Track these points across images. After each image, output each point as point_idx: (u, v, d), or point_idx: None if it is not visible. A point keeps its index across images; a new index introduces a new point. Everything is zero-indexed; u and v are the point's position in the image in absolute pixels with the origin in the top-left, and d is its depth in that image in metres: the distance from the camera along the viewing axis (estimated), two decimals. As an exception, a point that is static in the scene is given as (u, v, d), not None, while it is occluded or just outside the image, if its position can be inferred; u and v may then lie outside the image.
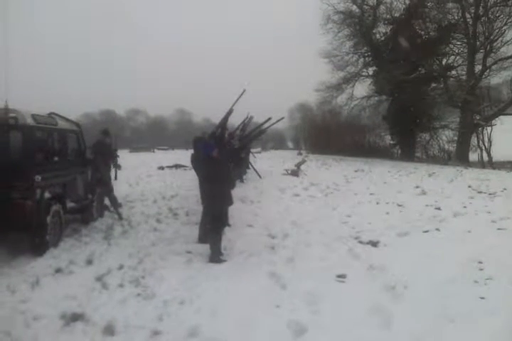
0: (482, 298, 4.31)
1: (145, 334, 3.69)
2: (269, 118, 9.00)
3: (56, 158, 6.95)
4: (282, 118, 8.87)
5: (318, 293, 4.53)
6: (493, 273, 4.96)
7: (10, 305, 4.19)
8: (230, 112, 7.76)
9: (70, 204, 7.05)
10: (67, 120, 7.76)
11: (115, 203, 9.02)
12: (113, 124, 75.14)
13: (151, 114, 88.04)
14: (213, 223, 6.06)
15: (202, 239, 6.65)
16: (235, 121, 14.26)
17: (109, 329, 3.74)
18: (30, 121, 6.05)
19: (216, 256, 5.84)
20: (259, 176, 15.84)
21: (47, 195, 6.12)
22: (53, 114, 7.34)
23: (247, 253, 6.16)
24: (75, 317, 3.93)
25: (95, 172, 8.38)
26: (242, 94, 7.72)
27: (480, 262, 5.42)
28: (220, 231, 6.11)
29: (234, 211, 8.19)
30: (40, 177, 5.92)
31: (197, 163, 6.41)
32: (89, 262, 5.67)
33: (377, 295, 4.49)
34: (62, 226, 6.74)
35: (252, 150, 20.87)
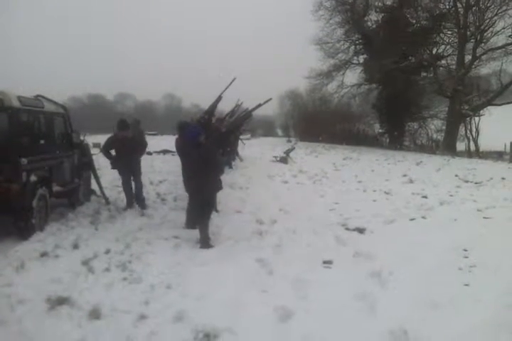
0: (466, 284, 4.37)
1: (131, 318, 3.68)
2: (259, 105, 8.94)
3: (42, 141, 6.85)
4: (270, 99, 8.79)
5: (305, 278, 4.55)
6: (477, 261, 5.02)
7: (-6, 289, 4.16)
8: (218, 99, 7.71)
9: (56, 188, 6.97)
10: (53, 103, 7.63)
11: (102, 187, 8.94)
12: (101, 108, 74.47)
13: (139, 98, 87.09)
14: (203, 208, 6.04)
15: (189, 225, 6.64)
16: (225, 107, 14.20)
17: (95, 313, 3.72)
18: (16, 103, 5.94)
19: (206, 242, 5.84)
20: (241, 159, 16.00)
21: (33, 178, 6.04)
22: (40, 96, 7.21)
23: (234, 239, 6.17)
24: (61, 301, 3.90)
25: (82, 157, 8.31)
26: (232, 82, 7.65)
27: (465, 250, 5.48)
28: (209, 216, 6.10)
29: (222, 197, 8.18)
30: (26, 161, 5.84)
31: (182, 148, 6.33)
32: (76, 246, 5.62)
33: (363, 281, 4.53)
34: (49, 210, 6.67)
35: (242, 136, 20.82)
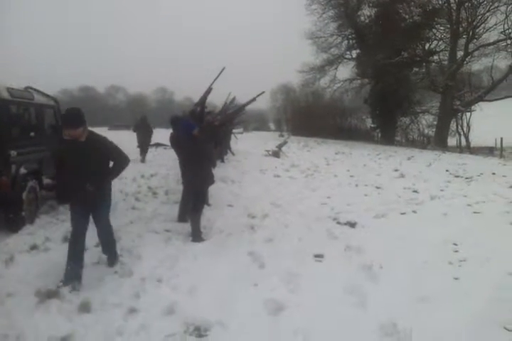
0: (456, 278, 4.40)
1: (121, 311, 3.67)
2: (253, 99, 8.89)
3: (32, 134, 6.78)
4: (263, 92, 8.73)
5: (296, 272, 4.56)
6: (467, 255, 5.06)
7: (-17, 282, 4.12)
8: (209, 90, 7.64)
9: (46, 181, 6.92)
10: (44, 95, 7.55)
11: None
12: (92, 101, 73.94)
13: (131, 91, 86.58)
14: (195, 202, 6.03)
15: (181, 218, 6.63)
16: (217, 101, 14.13)
17: (85, 307, 3.71)
18: (5, 94, 5.87)
19: (197, 235, 5.83)
20: (233, 154, 16.02)
21: (22, 170, 6.00)
22: (30, 88, 7.13)
23: (226, 233, 6.17)
24: (50, 295, 3.87)
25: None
26: (221, 72, 7.58)
27: (455, 244, 5.52)
28: (201, 210, 6.08)
29: (214, 191, 8.17)
30: (15, 153, 5.79)
31: (177, 142, 6.32)
32: (66, 239, 5.53)
33: (354, 275, 4.54)
34: (39, 202, 6.63)
35: (234, 130, 20.76)
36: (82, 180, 4.19)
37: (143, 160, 14.91)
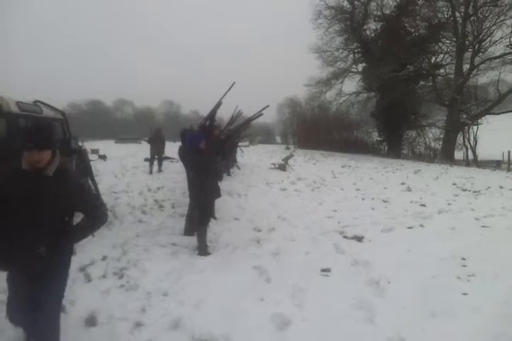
0: (465, 294, 4.36)
1: (128, 325, 3.66)
2: (259, 114, 8.94)
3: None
4: (267, 106, 8.77)
5: (303, 286, 4.53)
6: (475, 270, 5.01)
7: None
8: (218, 105, 7.70)
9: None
10: (52, 108, 7.63)
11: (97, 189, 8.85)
12: (100, 114, 74.56)
13: (138, 104, 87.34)
14: (201, 215, 6.03)
15: (188, 232, 6.62)
16: (224, 114, 14.22)
17: (91, 321, 3.71)
18: (14, 108, 5.93)
19: (203, 249, 5.82)
20: (238, 168, 16.02)
21: (31, 183, 6.00)
22: (38, 102, 7.21)
23: (232, 246, 6.15)
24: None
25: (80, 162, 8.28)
26: (231, 87, 7.64)
27: (463, 259, 5.47)
28: (207, 223, 6.08)
29: (220, 204, 8.17)
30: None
31: (185, 155, 6.36)
32: (72, 252, 5.58)
33: (361, 289, 4.51)
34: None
35: (240, 143, 20.80)
36: (31, 238, 2.76)
37: (159, 170, 15.78)
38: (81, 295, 4.26)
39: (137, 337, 3.48)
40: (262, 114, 8.79)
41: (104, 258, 5.42)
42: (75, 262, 5.13)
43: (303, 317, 3.81)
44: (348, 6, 32.59)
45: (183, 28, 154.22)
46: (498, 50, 27.57)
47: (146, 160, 21.42)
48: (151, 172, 15.20)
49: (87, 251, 5.65)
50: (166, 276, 4.86)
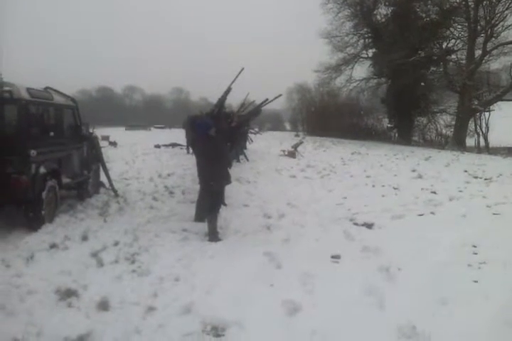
0: (475, 281, 4.34)
1: (140, 310, 3.70)
2: (266, 99, 8.90)
3: (51, 133, 6.87)
4: (280, 95, 8.74)
5: (313, 272, 4.54)
6: (487, 257, 4.98)
7: (4, 280, 4.18)
8: (228, 91, 7.68)
9: (65, 180, 7.00)
10: (63, 95, 7.64)
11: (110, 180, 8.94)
12: (109, 101, 74.68)
13: (147, 91, 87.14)
14: (211, 202, 6.05)
15: (198, 218, 6.65)
16: (234, 100, 14.16)
17: (103, 305, 3.75)
18: (25, 95, 5.95)
19: (214, 235, 5.85)
20: (247, 159, 15.81)
21: (42, 170, 6.07)
22: (49, 88, 7.22)
23: (242, 233, 6.19)
24: (70, 293, 3.93)
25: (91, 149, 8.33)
26: (240, 72, 7.60)
27: (474, 246, 5.44)
28: (217, 210, 6.10)
29: (230, 191, 8.17)
30: (35, 152, 5.86)
31: (194, 141, 6.36)
32: (85, 238, 5.66)
33: (371, 276, 4.51)
34: (58, 201, 6.71)
35: (251, 130, 20.72)
36: None
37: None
38: (94, 280, 4.32)
39: (149, 321, 3.52)
40: (269, 101, 8.76)
41: (116, 243, 5.48)
42: (88, 247, 5.23)
43: (313, 303, 3.82)
44: (359, -10, 32.06)
45: (191, 12, 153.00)
46: (511, 35, 27.06)
47: (156, 146, 21.58)
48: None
49: (98, 237, 5.73)
50: (178, 262, 4.91)
